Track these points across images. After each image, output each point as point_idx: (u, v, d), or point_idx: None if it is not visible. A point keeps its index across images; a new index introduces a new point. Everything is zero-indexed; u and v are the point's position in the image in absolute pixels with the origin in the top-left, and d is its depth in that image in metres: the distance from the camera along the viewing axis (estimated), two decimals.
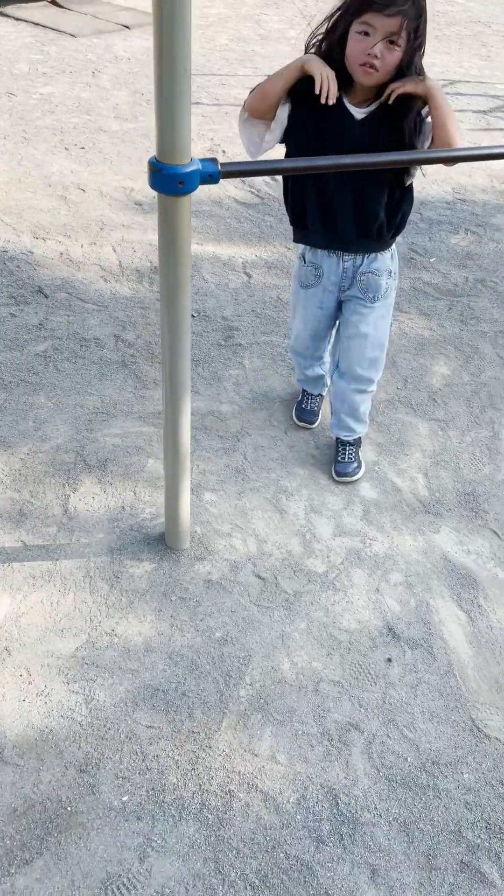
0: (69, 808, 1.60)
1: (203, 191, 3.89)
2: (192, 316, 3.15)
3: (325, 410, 2.69)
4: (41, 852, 1.53)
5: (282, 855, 1.55)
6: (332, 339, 2.39)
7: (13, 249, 3.47)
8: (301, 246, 2.17)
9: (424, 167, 2.03)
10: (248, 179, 4.18)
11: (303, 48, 1.87)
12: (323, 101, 1.75)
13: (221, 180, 1.52)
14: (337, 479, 2.43)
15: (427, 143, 1.86)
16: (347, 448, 2.46)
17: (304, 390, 2.65)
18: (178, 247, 1.58)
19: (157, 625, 1.97)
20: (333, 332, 2.36)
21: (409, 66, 1.75)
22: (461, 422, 2.72)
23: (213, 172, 1.50)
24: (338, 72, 1.78)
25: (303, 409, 2.63)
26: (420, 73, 1.79)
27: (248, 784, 1.65)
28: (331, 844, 1.57)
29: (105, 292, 3.25)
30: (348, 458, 2.45)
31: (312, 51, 1.83)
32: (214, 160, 1.51)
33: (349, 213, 1.95)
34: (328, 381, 2.57)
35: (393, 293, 2.20)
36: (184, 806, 1.61)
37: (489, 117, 5.21)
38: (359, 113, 1.84)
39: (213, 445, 2.55)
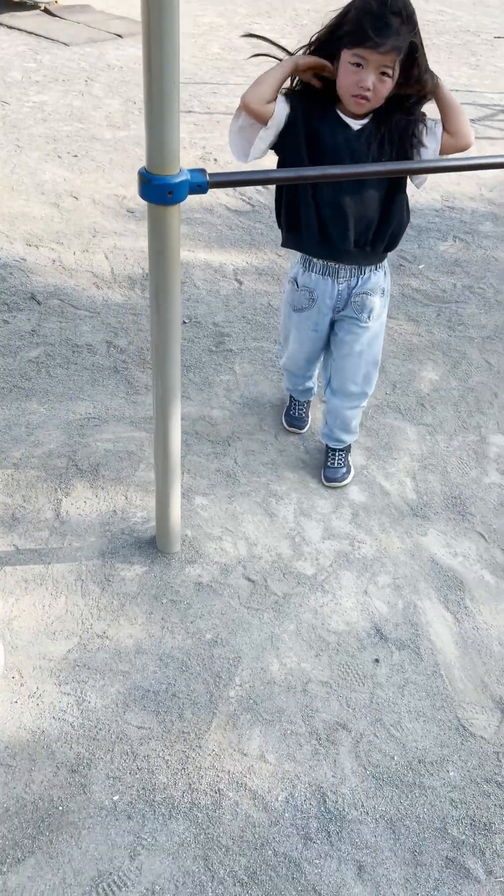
0: (61, 808, 1.62)
1: (194, 198, 3.94)
2: (184, 322, 3.19)
3: (314, 415, 2.73)
4: (33, 851, 1.55)
5: (270, 852, 1.57)
6: (323, 356, 2.39)
7: (6, 257, 3.50)
8: (292, 270, 2.15)
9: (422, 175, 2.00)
10: (238, 187, 4.22)
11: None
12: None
13: (212, 189, 1.55)
14: (326, 484, 2.47)
15: (437, 146, 1.83)
16: (337, 454, 2.49)
17: (291, 397, 2.67)
18: (167, 255, 1.61)
19: (148, 627, 1.99)
20: (323, 349, 2.35)
21: (416, 77, 1.74)
22: (449, 426, 2.76)
23: (201, 183, 1.54)
24: (327, 88, 1.80)
25: (292, 416, 2.67)
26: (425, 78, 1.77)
27: (238, 783, 1.68)
28: (318, 841, 1.60)
29: (97, 299, 3.28)
30: (337, 463, 2.48)
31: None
32: (203, 171, 1.54)
33: (345, 220, 1.92)
34: (316, 390, 2.61)
35: (386, 311, 2.20)
36: (174, 805, 1.64)
37: (478, 126, 5.27)
38: (356, 124, 1.83)
39: (204, 450, 2.58)
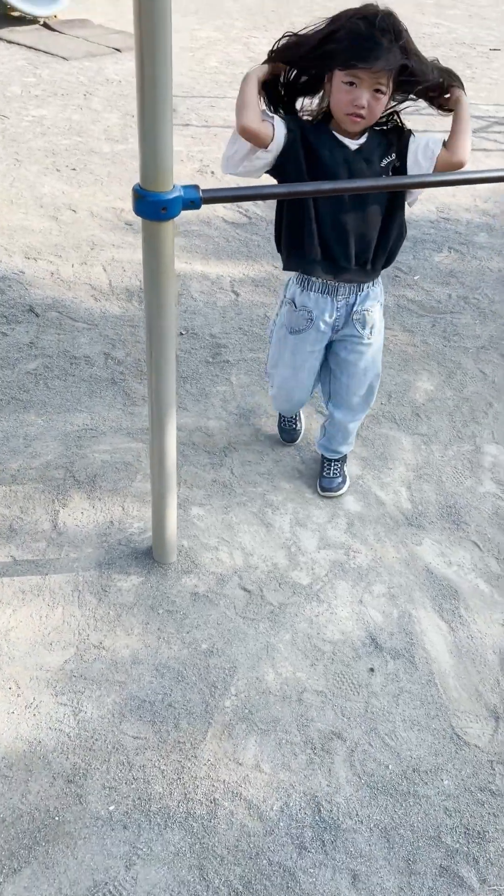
0: (57, 818, 1.63)
1: (192, 211, 3.98)
2: (181, 334, 3.21)
3: (311, 425, 2.75)
4: (29, 861, 1.56)
5: (265, 861, 1.58)
6: (321, 377, 2.34)
7: (5, 270, 3.53)
8: (288, 292, 2.11)
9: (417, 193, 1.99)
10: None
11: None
12: None
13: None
14: (322, 494, 2.48)
15: (431, 164, 1.83)
16: (333, 464, 2.51)
17: (281, 413, 2.66)
18: (162, 270, 1.63)
19: (145, 637, 2.00)
20: (316, 378, 2.31)
21: (418, 80, 1.74)
22: (444, 436, 2.78)
23: (194, 199, 1.56)
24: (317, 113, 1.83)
25: (284, 429, 2.67)
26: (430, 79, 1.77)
27: (233, 792, 1.69)
28: (313, 851, 1.60)
29: (95, 311, 3.31)
30: (333, 473, 2.50)
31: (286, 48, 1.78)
32: (196, 187, 1.57)
33: (347, 239, 1.92)
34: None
35: (383, 321, 2.20)
36: (169, 814, 1.64)
37: (473, 137, 5.30)
38: (353, 143, 1.82)
39: (200, 461, 2.60)
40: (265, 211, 4.16)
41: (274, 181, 1.89)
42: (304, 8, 8.68)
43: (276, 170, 1.84)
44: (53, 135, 5.03)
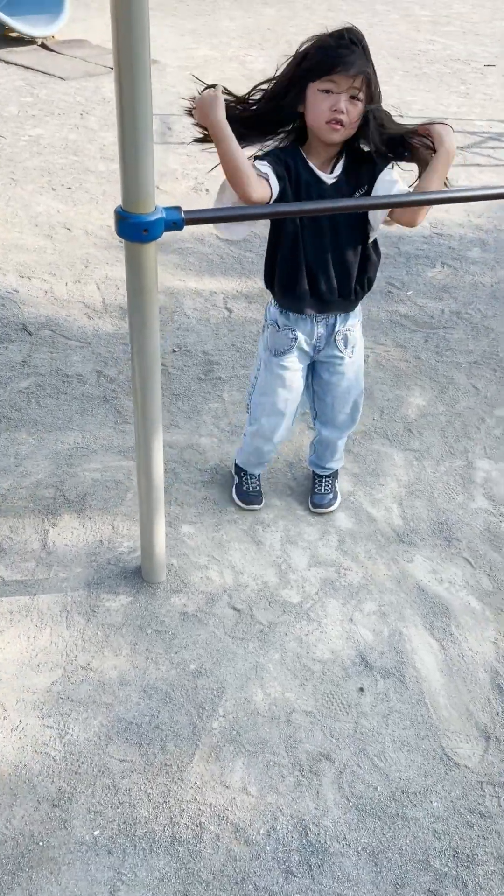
0: (41, 843, 1.61)
1: (186, 228, 3.99)
2: (173, 351, 3.22)
3: (303, 442, 2.75)
4: (12, 888, 1.54)
5: (251, 887, 1.56)
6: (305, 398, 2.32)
7: None
8: (270, 315, 2.12)
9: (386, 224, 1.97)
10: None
11: None
12: (206, 100, 1.68)
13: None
14: (314, 510, 2.48)
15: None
16: (324, 480, 2.50)
17: (242, 472, 2.48)
18: (145, 291, 1.64)
19: (133, 658, 1.99)
20: (298, 408, 2.29)
21: (371, 113, 1.76)
22: (436, 451, 2.77)
23: (176, 220, 1.57)
24: (292, 139, 1.83)
25: (247, 492, 2.47)
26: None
27: (219, 816, 1.67)
28: (299, 875, 1.58)
29: (88, 329, 3.32)
30: (325, 489, 2.49)
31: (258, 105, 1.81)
32: (178, 208, 1.57)
33: (330, 274, 1.96)
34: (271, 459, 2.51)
35: (363, 338, 2.22)
36: (154, 839, 1.63)
37: (466, 153, 5.35)
38: (328, 178, 1.85)
39: (191, 478, 2.59)
40: (258, 228, 4.18)
41: None
42: (300, 26, 8.75)
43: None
44: (49, 154, 5.06)
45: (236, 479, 2.52)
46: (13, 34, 7.43)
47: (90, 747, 1.78)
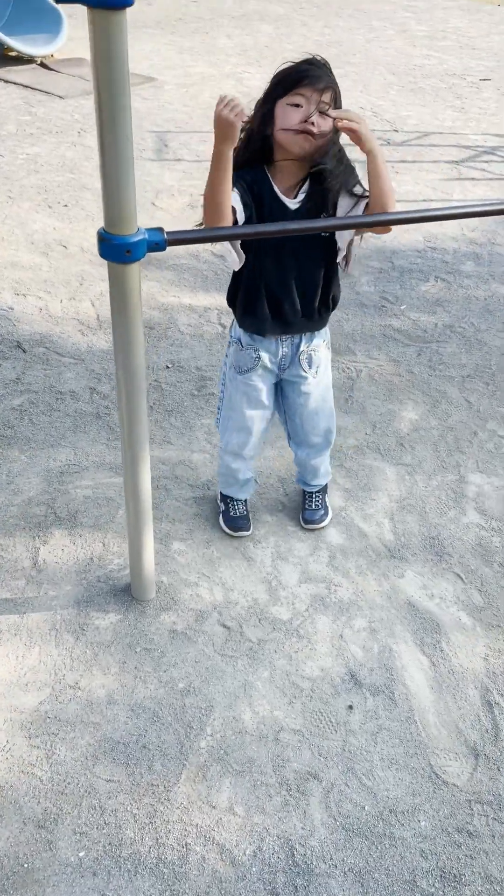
0: (26, 865, 1.60)
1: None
2: (167, 367, 3.23)
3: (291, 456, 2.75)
4: None
5: None
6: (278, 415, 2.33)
7: None
8: (234, 333, 2.12)
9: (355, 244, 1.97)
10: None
11: None
12: (228, 111, 1.58)
13: None
14: (305, 526, 2.48)
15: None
16: (314, 496, 2.50)
17: (227, 498, 2.46)
18: (129, 311, 1.65)
19: (121, 677, 1.99)
20: (268, 425, 2.29)
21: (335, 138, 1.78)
22: (428, 466, 2.77)
23: (159, 241, 1.58)
24: (258, 159, 1.82)
25: (234, 518, 2.44)
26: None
27: (205, 837, 1.66)
28: None
29: (82, 346, 3.33)
30: (315, 505, 2.49)
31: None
32: (161, 229, 1.59)
33: (293, 296, 1.97)
34: (255, 483, 2.54)
35: (330, 358, 2.20)
36: (140, 860, 1.62)
37: (461, 167, 5.38)
38: (292, 203, 1.85)
39: (183, 495, 2.60)
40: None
41: None
42: (297, 44, 8.83)
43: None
44: (46, 172, 5.11)
45: (222, 507, 2.48)
46: (12, 53, 7.51)
47: (77, 767, 1.78)
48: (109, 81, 1.36)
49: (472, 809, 1.74)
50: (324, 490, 2.52)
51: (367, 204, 1.81)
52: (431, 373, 3.26)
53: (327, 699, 1.97)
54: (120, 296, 1.63)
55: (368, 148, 1.70)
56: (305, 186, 1.85)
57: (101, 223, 1.57)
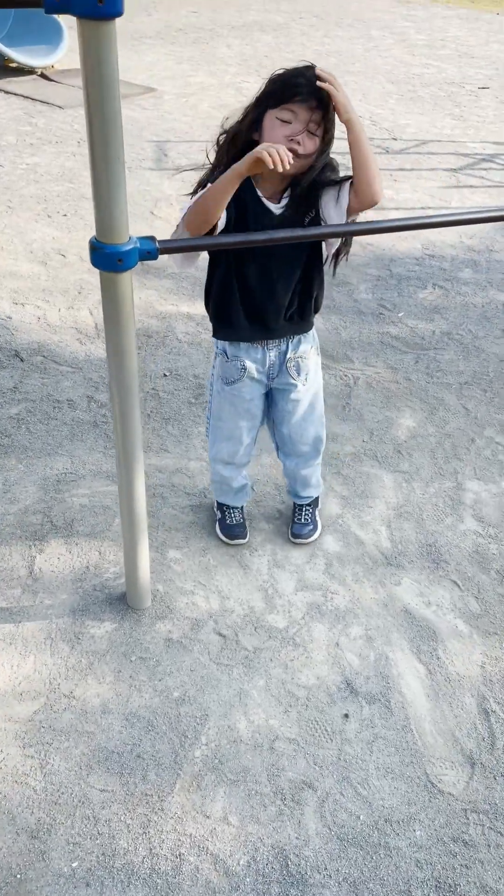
0: (18, 876, 1.60)
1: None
2: (164, 375, 3.24)
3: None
4: None
5: None
6: (267, 426, 2.31)
7: None
8: (219, 344, 2.08)
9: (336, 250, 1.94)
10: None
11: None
12: (280, 168, 1.57)
13: None
14: (293, 540, 2.43)
15: (343, 214, 1.81)
16: (304, 510, 2.46)
17: (223, 506, 2.45)
18: (121, 320, 1.65)
19: (116, 686, 1.98)
20: (257, 433, 2.27)
21: (322, 153, 1.75)
22: (425, 473, 2.76)
23: (151, 250, 1.59)
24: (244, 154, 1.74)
25: (231, 526, 2.43)
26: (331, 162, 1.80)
27: (199, 847, 1.65)
28: None
29: (80, 355, 3.34)
30: (304, 519, 2.45)
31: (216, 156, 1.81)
32: (153, 238, 1.59)
33: (271, 302, 1.93)
34: (251, 490, 2.52)
35: (320, 368, 2.18)
36: (133, 871, 1.61)
37: (459, 175, 5.39)
38: (276, 208, 1.82)
39: (180, 503, 2.60)
40: None
41: None
42: (296, 53, 8.88)
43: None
44: (46, 182, 5.13)
45: (219, 515, 2.47)
46: (13, 64, 7.56)
47: (71, 777, 1.77)
48: (100, 91, 1.37)
49: (467, 819, 1.72)
50: (314, 504, 2.48)
51: (351, 183, 1.76)
52: (429, 380, 3.26)
53: (323, 708, 1.96)
54: (112, 304, 1.63)
55: (346, 118, 1.66)
56: (289, 191, 1.82)
57: None
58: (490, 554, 2.44)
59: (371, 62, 8.70)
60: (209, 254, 1.93)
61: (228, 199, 1.68)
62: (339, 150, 1.77)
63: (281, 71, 1.72)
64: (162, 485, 2.66)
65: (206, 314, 2.07)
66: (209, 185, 1.73)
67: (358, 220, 1.86)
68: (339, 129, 1.73)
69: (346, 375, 3.27)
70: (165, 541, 2.44)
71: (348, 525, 2.54)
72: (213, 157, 1.85)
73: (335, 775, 1.80)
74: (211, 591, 2.28)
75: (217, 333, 2.05)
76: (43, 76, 7.58)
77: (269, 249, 1.87)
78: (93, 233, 1.56)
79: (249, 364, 2.05)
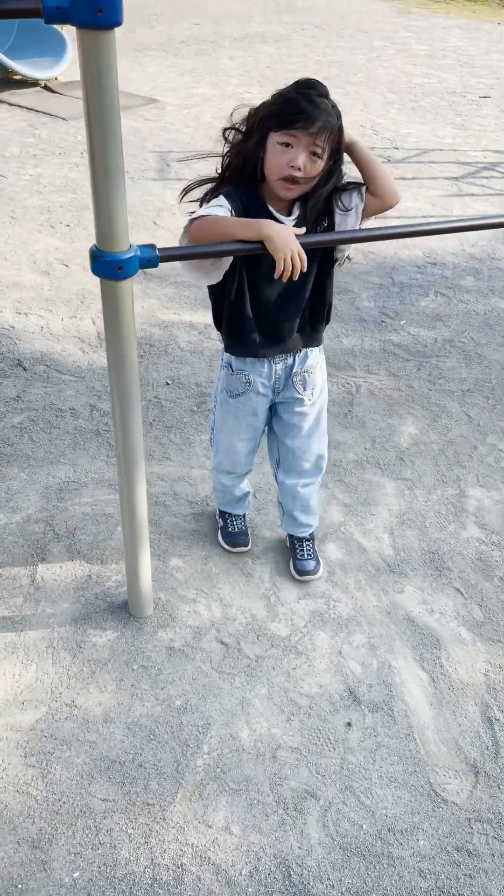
0: (20, 887, 1.59)
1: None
2: (166, 384, 3.24)
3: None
4: None
5: None
6: (268, 441, 2.29)
7: None
8: (224, 356, 2.05)
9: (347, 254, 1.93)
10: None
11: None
12: (285, 279, 1.62)
13: None
14: (299, 578, 2.33)
15: (358, 219, 1.81)
16: (305, 543, 2.37)
17: (225, 514, 2.45)
18: (122, 328, 1.65)
19: (118, 695, 1.98)
20: (259, 442, 2.25)
21: (330, 174, 1.73)
22: (428, 480, 2.76)
23: (151, 258, 1.59)
24: (251, 181, 1.76)
25: (233, 534, 2.43)
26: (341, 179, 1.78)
27: (201, 857, 1.64)
28: None
29: (82, 363, 3.35)
30: (307, 554, 2.36)
31: (227, 160, 1.79)
32: (153, 246, 1.60)
33: (284, 314, 1.90)
34: (253, 498, 2.51)
35: (326, 380, 2.15)
36: (134, 881, 1.60)
37: (461, 183, 5.41)
38: (287, 220, 1.77)
39: (182, 511, 2.59)
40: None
41: None
42: (298, 63, 8.94)
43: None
44: (49, 192, 5.16)
45: (221, 522, 2.46)
46: (17, 77, 7.62)
47: (72, 787, 1.76)
48: (100, 100, 1.37)
49: (471, 828, 1.71)
50: (312, 537, 2.39)
51: (365, 188, 1.77)
52: (431, 387, 3.26)
53: (325, 716, 1.95)
54: (113, 312, 1.63)
55: (349, 142, 1.69)
56: (298, 202, 1.80)
57: None
58: (493, 561, 2.43)
59: (372, 72, 8.74)
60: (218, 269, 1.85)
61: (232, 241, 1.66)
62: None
63: (284, 89, 1.68)
64: (164, 493, 2.66)
65: (209, 324, 2.07)
66: (218, 207, 1.71)
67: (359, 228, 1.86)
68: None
69: (348, 383, 3.27)
70: (167, 549, 2.43)
71: (351, 532, 2.53)
72: (220, 152, 1.81)
73: (338, 784, 1.79)
74: (213, 599, 2.27)
75: (230, 349, 2.01)
76: (46, 88, 7.63)
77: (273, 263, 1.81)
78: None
79: (255, 378, 2.02)
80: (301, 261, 1.62)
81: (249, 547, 2.44)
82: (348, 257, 1.94)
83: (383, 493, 2.70)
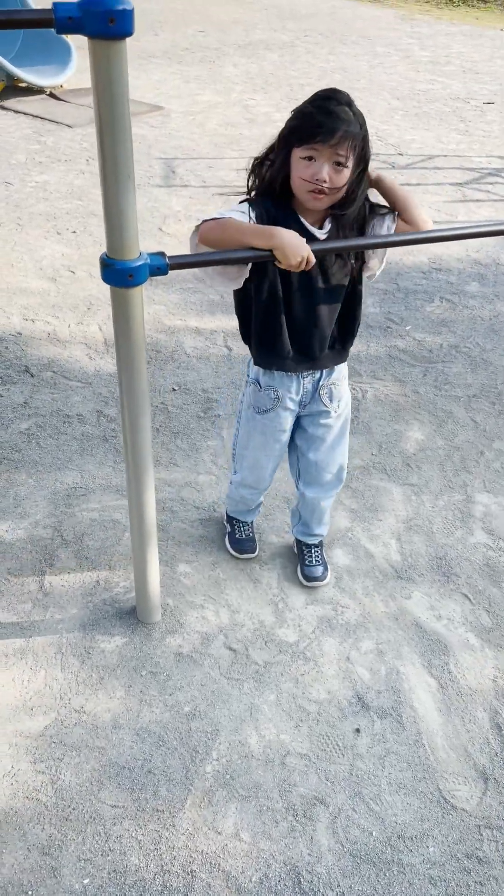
0: (30, 893, 1.59)
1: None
2: (173, 390, 3.25)
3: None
4: None
5: None
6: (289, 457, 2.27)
7: (2, 331, 3.61)
8: (251, 372, 2.03)
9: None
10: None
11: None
12: (303, 264, 1.61)
13: None
14: (307, 584, 2.34)
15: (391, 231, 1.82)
16: (314, 550, 2.38)
17: (234, 520, 2.46)
18: (132, 335, 1.66)
19: (126, 701, 1.98)
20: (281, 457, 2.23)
21: (359, 182, 1.73)
22: (434, 486, 2.76)
23: (161, 265, 1.60)
24: (281, 196, 1.76)
25: (240, 540, 2.44)
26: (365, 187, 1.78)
27: (211, 863, 1.64)
28: None
29: (89, 370, 3.36)
30: (316, 560, 2.37)
31: (252, 181, 1.80)
32: (162, 254, 1.61)
33: (317, 329, 1.89)
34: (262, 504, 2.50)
35: (349, 393, 2.14)
36: (144, 888, 1.60)
37: (465, 189, 5.42)
38: (320, 233, 1.77)
39: (189, 517, 2.60)
40: None
41: None
42: (302, 70, 8.97)
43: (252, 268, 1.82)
44: (55, 199, 5.18)
45: (228, 528, 2.47)
46: (22, 84, 7.66)
47: (82, 793, 1.77)
48: (111, 109, 1.38)
49: (481, 835, 1.71)
50: (321, 544, 2.41)
51: (396, 213, 1.80)
52: (437, 393, 3.26)
53: (334, 722, 1.95)
54: (123, 319, 1.64)
55: (375, 177, 1.74)
56: (330, 216, 1.79)
57: None
58: (501, 567, 2.43)
59: (376, 78, 8.77)
60: (246, 280, 1.83)
61: (244, 247, 1.65)
62: None
63: (302, 104, 1.68)
64: (171, 499, 2.66)
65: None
66: (237, 212, 1.71)
67: None
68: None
69: (354, 389, 3.27)
70: (175, 555, 2.44)
71: (358, 538, 2.53)
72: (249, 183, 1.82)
73: (347, 791, 1.79)
74: (221, 605, 2.27)
75: (260, 361, 1.98)
76: (52, 95, 7.66)
77: (310, 275, 1.81)
78: (102, 249, 1.57)
79: (283, 393, 2.00)
80: (301, 264, 1.60)
81: (257, 553, 2.44)
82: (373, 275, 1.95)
83: (390, 498, 2.70)
